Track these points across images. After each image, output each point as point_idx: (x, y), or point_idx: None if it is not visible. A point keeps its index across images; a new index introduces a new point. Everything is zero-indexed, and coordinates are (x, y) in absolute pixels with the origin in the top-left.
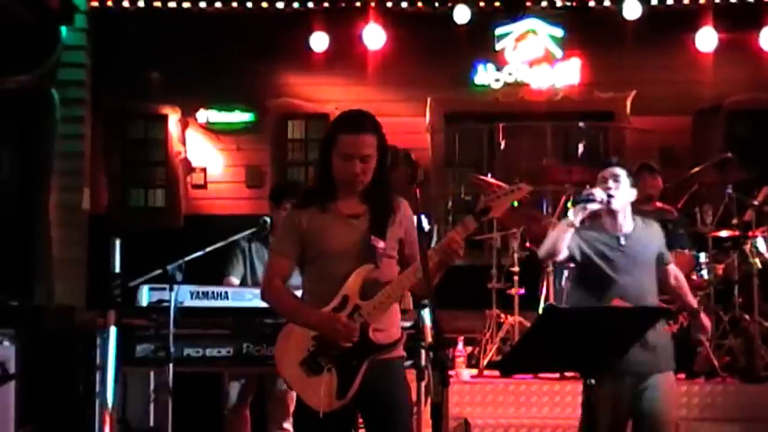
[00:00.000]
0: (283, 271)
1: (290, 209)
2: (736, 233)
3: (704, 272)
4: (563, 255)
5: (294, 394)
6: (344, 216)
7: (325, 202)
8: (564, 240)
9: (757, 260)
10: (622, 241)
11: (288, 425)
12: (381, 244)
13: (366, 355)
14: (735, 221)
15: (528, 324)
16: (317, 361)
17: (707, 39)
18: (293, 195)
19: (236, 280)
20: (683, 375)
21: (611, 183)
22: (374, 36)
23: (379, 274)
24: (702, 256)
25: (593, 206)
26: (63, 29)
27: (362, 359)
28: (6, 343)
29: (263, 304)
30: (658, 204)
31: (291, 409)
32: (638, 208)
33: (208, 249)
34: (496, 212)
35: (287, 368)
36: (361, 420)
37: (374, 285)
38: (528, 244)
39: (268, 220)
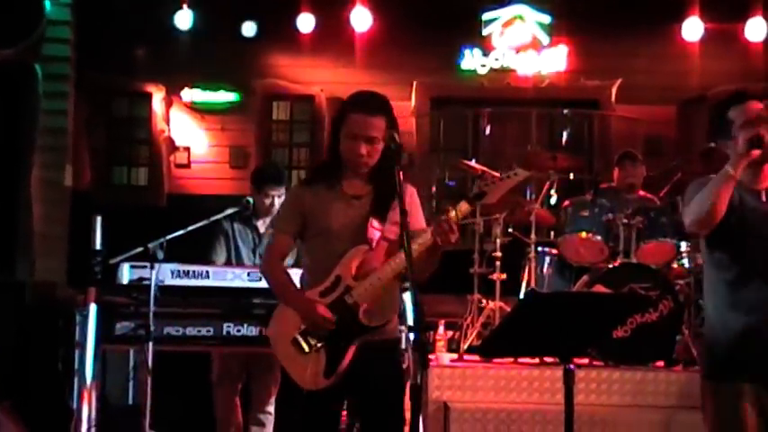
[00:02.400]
0: (283, 248)
1: (296, 185)
2: None
3: (685, 261)
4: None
5: (278, 376)
6: (347, 196)
7: (332, 180)
8: (726, 198)
9: None
10: (763, 197)
11: (270, 407)
12: (379, 225)
13: (355, 337)
14: None
15: (509, 309)
16: (307, 340)
17: (693, 29)
18: (275, 180)
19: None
20: (662, 364)
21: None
22: (361, 18)
23: (374, 256)
24: (684, 245)
25: (758, 152)
26: (47, 3)
27: (351, 340)
28: None
29: (245, 284)
30: (641, 193)
31: (274, 391)
32: (621, 196)
33: (190, 228)
34: (492, 198)
35: (279, 345)
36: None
37: (368, 267)
38: (511, 230)
39: (251, 200)
